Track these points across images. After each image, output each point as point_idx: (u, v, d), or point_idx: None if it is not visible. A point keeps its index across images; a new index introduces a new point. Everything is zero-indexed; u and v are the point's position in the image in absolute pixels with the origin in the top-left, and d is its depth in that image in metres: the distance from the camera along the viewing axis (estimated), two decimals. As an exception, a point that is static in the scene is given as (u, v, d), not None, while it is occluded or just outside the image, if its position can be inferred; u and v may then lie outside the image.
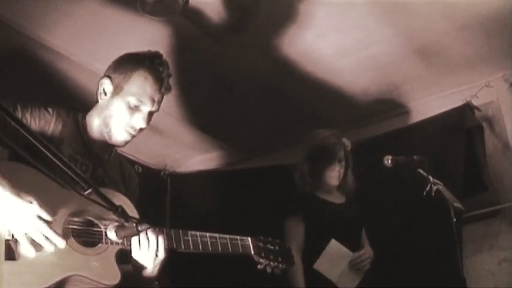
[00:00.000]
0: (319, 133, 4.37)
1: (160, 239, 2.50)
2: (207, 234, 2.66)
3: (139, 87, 2.72)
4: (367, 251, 4.13)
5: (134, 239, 2.46)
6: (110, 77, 2.76)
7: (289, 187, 5.33)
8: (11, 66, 4.19)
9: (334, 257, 3.97)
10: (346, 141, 4.33)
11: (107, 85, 2.75)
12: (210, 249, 2.64)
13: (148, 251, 2.48)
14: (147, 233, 2.48)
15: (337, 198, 4.31)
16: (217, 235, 2.69)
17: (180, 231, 2.60)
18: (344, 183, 4.35)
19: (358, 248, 4.08)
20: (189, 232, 2.61)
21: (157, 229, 2.51)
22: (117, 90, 2.72)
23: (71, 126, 2.70)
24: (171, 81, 2.87)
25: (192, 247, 2.60)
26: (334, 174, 4.24)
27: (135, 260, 2.49)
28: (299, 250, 4.02)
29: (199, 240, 2.62)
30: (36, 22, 3.93)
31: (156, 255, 2.50)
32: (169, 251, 2.54)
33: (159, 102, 2.79)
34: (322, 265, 3.94)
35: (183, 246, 2.58)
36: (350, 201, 4.32)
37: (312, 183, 4.26)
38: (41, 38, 4.09)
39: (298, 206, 4.22)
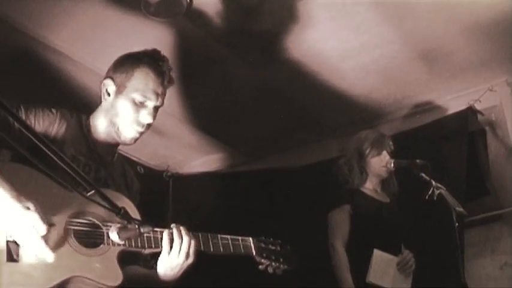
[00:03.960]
0: (366, 131, 4.48)
1: (193, 241, 2.53)
2: (208, 235, 2.67)
3: (142, 83, 2.72)
4: (408, 252, 4.13)
5: (165, 240, 2.48)
6: (111, 78, 2.76)
7: (291, 189, 5.38)
8: (15, 66, 4.20)
9: (382, 265, 3.97)
10: (391, 143, 4.38)
11: (109, 86, 2.75)
12: (212, 250, 2.65)
13: (179, 254, 2.50)
14: (181, 234, 2.51)
15: (382, 198, 4.33)
16: (218, 235, 2.69)
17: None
18: (389, 183, 4.38)
19: (400, 250, 4.09)
20: (191, 233, 2.61)
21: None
22: (120, 89, 2.73)
23: (75, 127, 2.70)
24: (173, 74, 2.87)
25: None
26: (383, 164, 4.26)
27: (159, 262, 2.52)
28: (344, 242, 4.07)
29: (201, 241, 2.62)
30: (40, 23, 3.94)
31: (187, 258, 2.52)
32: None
33: (163, 96, 2.79)
34: (374, 276, 3.94)
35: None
36: (393, 202, 4.34)
37: (360, 177, 4.29)
38: (45, 39, 4.09)
39: (344, 200, 4.23)
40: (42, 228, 2.11)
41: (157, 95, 2.75)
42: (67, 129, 2.65)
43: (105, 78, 2.80)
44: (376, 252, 3.96)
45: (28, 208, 2.09)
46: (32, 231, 2.10)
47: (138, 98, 2.70)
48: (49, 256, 2.16)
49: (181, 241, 2.51)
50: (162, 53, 2.86)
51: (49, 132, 2.58)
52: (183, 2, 3.75)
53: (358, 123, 5.33)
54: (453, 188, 3.97)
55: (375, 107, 5.29)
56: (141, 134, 2.77)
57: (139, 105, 2.71)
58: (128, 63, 2.78)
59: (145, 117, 2.72)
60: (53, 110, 2.65)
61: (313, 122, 5.48)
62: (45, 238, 2.14)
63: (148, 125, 2.76)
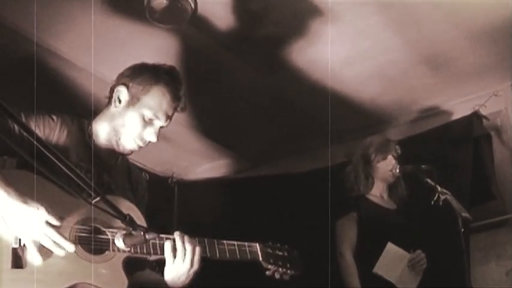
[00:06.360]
0: (372, 137, 4.50)
1: (197, 248, 2.52)
2: (215, 241, 2.66)
3: (156, 102, 2.71)
4: (421, 252, 4.12)
5: (168, 249, 2.47)
6: (126, 86, 2.73)
7: (297, 195, 5.37)
8: (19, 72, 4.20)
9: (392, 259, 3.97)
10: (397, 147, 4.37)
11: (123, 93, 2.71)
12: (218, 256, 2.64)
13: (184, 262, 2.49)
14: (184, 243, 2.50)
15: (389, 205, 4.33)
16: (224, 241, 2.68)
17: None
18: (396, 188, 4.37)
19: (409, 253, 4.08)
20: (196, 239, 2.60)
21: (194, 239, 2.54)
22: (133, 101, 2.70)
23: (76, 133, 2.68)
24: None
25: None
26: (389, 169, 4.26)
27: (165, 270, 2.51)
28: (352, 250, 4.07)
29: (207, 247, 2.61)
30: (45, 29, 3.94)
31: (191, 266, 2.51)
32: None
33: (171, 119, 2.80)
34: (381, 268, 3.95)
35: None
36: (400, 208, 4.33)
37: (366, 182, 4.29)
38: (50, 45, 4.10)
39: (351, 207, 4.23)
40: (56, 222, 2.17)
41: (167, 117, 2.75)
42: (68, 135, 2.64)
43: (119, 83, 2.75)
44: (390, 246, 3.96)
45: (37, 208, 2.13)
46: (46, 228, 2.16)
47: (148, 115, 2.69)
48: (69, 247, 2.21)
49: (185, 250, 2.49)
50: (179, 75, 2.84)
51: (50, 139, 2.57)
52: (188, 8, 3.75)
53: (363, 128, 5.32)
54: (459, 193, 3.96)
55: (379, 112, 5.29)
56: (140, 147, 2.76)
57: (147, 122, 2.70)
58: (146, 76, 2.74)
59: (150, 135, 2.72)
60: (54, 117, 2.64)
61: (317, 128, 5.46)
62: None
63: (149, 142, 2.76)
